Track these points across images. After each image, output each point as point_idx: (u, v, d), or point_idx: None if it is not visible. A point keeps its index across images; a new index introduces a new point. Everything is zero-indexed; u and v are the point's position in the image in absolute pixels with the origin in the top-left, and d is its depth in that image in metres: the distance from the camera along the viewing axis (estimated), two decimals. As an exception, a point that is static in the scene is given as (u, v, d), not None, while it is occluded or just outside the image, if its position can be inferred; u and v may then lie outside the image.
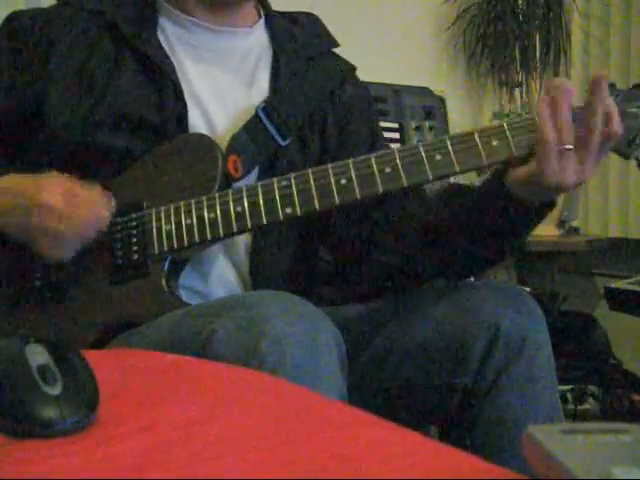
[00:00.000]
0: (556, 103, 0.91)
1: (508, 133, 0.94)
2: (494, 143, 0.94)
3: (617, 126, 0.91)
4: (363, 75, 1.26)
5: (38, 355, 0.56)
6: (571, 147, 0.90)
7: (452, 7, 2.87)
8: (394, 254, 1.11)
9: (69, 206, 0.98)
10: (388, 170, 0.96)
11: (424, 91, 2.51)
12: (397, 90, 2.44)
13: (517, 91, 2.91)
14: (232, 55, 1.16)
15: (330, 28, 1.26)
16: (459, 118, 2.83)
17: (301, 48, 1.19)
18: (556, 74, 2.89)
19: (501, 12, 2.82)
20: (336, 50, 1.24)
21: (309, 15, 1.26)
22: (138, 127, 1.07)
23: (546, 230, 2.73)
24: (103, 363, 0.65)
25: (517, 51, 2.86)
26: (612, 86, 0.98)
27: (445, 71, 2.90)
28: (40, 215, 0.98)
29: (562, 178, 0.91)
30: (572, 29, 2.89)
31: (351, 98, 1.20)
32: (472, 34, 2.88)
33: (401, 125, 2.40)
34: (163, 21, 1.14)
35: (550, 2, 2.80)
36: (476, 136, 0.95)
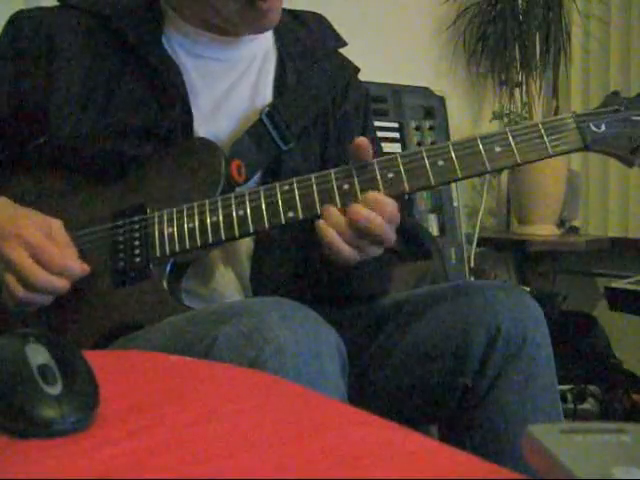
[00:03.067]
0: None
1: (511, 140, 0.95)
2: (497, 149, 0.95)
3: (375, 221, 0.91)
4: (363, 75, 1.26)
5: (38, 355, 0.56)
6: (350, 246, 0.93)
7: (452, 7, 2.87)
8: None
9: (29, 269, 0.95)
10: (391, 176, 0.96)
11: (424, 91, 2.52)
12: (397, 90, 2.44)
13: (517, 91, 2.91)
14: (237, 63, 1.15)
15: (330, 29, 1.26)
16: (459, 118, 2.83)
17: (306, 50, 1.19)
18: (556, 74, 2.88)
19: (501, 12, 2.81)
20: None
21: (314, 14, 1.26)
22: (144, 136, 1.07)
23: (546, 230, 2.73)
24: (104, 363, 0.65)
25: (517, 51, 2.85)
26: (616, 93, 0.99)
27: (445, 71, 2.89)
28: (1, 265, 0.97)
29: (363, 256, 0.95)
30: (572, 29, 2.89)
31: (352, 105, 1.21)
32: (472, 34, 2.88)
33: (401, 125, 2.40)
34: (169, 29, 1.13)
35: (550, 2, 2.80)
36: (479, 142, 0.95)
